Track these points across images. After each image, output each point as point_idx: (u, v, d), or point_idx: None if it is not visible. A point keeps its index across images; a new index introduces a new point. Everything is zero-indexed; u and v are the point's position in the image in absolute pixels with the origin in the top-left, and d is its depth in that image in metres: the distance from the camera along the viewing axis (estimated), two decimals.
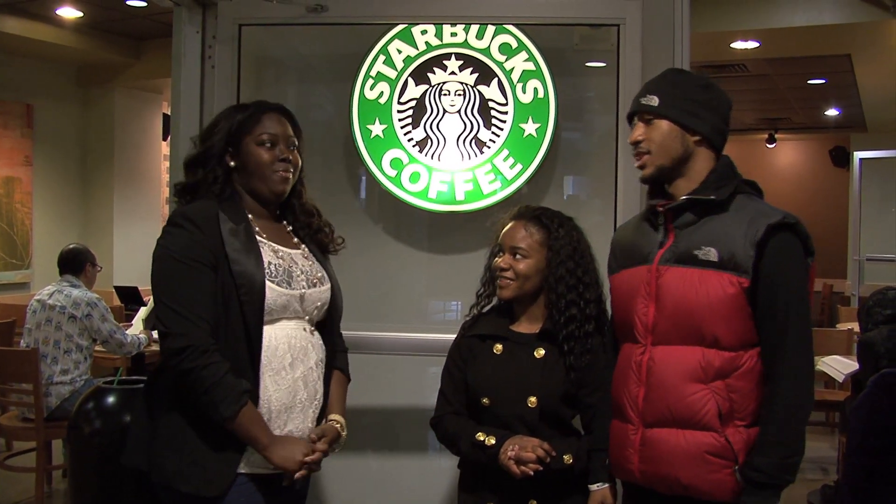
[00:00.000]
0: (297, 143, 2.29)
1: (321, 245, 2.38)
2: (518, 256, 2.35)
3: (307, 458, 2.10)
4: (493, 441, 2.27)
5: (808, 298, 2.03)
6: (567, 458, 2.27)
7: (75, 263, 5.01)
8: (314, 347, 2.24)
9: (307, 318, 2.24)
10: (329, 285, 2.31)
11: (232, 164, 2.22)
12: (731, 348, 2.00)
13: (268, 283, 2.11)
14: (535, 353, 2.35)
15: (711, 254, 2.01)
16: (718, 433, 1.99)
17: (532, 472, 2.21)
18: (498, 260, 2.38)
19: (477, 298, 2.49)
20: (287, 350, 2.16)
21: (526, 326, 2.40)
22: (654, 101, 2.11)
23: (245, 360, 2.09)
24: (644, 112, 2.13)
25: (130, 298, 7.10)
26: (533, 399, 2.30)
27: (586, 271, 2.38)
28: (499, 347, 2.38)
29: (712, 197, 2.05)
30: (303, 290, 2.20)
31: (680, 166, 2.11)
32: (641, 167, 2.15)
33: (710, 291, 2.00)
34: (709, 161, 2.11)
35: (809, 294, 2.04)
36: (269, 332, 2.13)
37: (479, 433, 2.29)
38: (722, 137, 2.14)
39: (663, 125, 2.10)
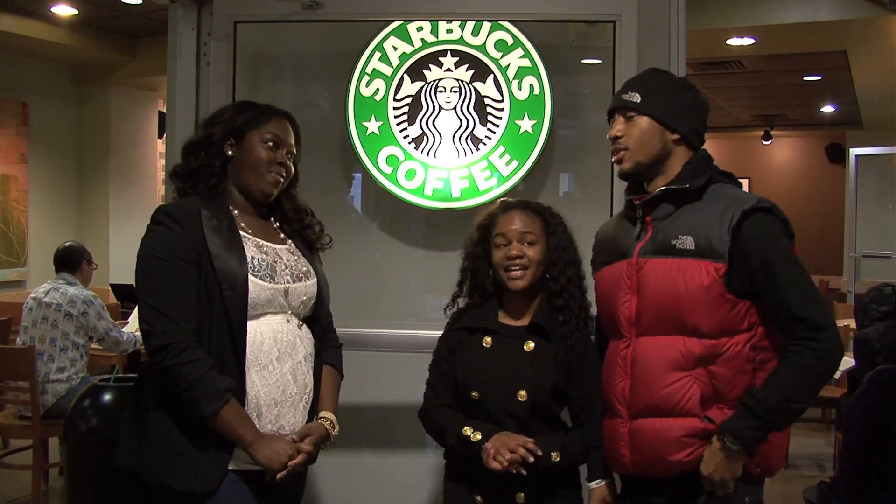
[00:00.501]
0: (295, 153, 2.31)
1: (308, 242, 2.39)
2: (527, 243, 2.32)
3: (291, 462, 2.10)
4: (479, 437, 2.25)
5: (801, 263, 2.02)
6: (554, 456, 2.25)
7: (71, 261, 5.00)
8: (302, 342, 2.24)
9: (293, 312, 2.24)
10: (315, 280, 2.31)
11: (230, 153, 2.23)
12: (712, 336, 2.00)
13: (251, 277, 2.12)
14: (524, 346, 2.33)
15: (689, 242, 2.02)
16: (700, 418, 2.00)
17: (514, 470, 2.19)
18: (507, 250, 2.31)
19: (452, 301, 2.47)
20: (273, 344, 2.16)
21: (515, 319, 2.38)
22: (637, 97, 2.14)
23: (230, 355, 2.10)
24: (625, 108, 2.16)
25: (127, 296, 7.08)
26: (523, 393, 2.28)
27: (579, 257, 2.39)
28: (488, 340, 2.36)
29: (687, 185, 2.08)
30: (287, 285, 2.20)
31: (658, 164, 2.14)
32: (619, 162, 2.18)
33: (688, 280, 2.01)
34: (683, 158, 2.14)
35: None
36: (253, 326, 2.13)
37: (466, 427, 2.28)
38: (699, 139, 2.17)
39: (643, 122, 2.13)
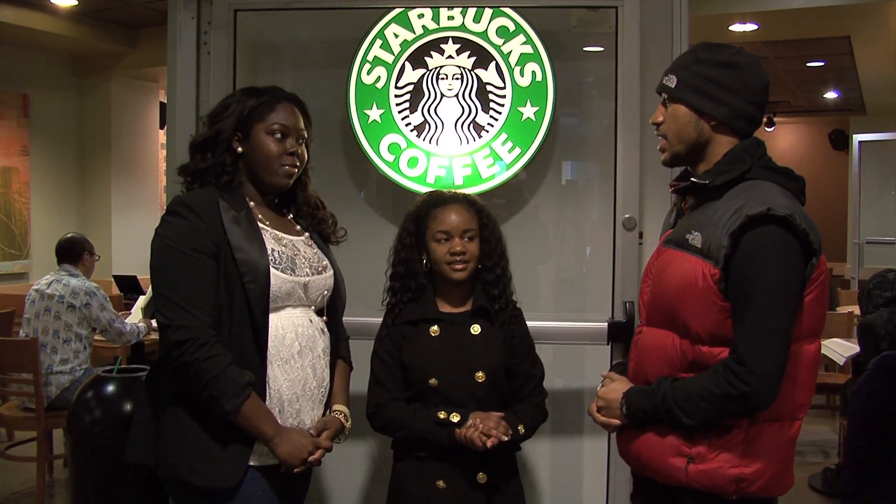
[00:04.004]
0: (306, 136, 2.26)
1: (323, 235, 2.38)
2: (468, 238, 2.46)
3: (310, 458, 2.10)
4: (457, 418, 2.35)
5: (787, 299, 1.84)
6: (521, 429, 2.40)
7: (73, 253, 5.01)
8: (320, 335, 2.23)
9: (312, 306, 2.23)
10: (332, 272, 2.30)
11: (239, 150, 2.19)
12: (702, 341, 1.90)
13: (272, 269, 2.10)
14: (471, 329, 2.46)
15: (697, 239, 1.91)
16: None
17: (491, 445, 2.29)
18: (450, 246, 2.44)
19: (396, 293, 2.53)
20: (295, 338, 2.15)
21: (454, 307, 2.51)
22: (673, 81, 2.01)
23: (252, 349, 2.08)
24: (664, 92, 2.05)
25: (129, 287, 7.10)
26: (480, 374, 2.41)
27: (506, 247, 2.57)
28: (435, 329, 2.45)
29: (707, 182, 1.95)
30: (307, 278, 2.19)
31: (696, 151, 2.01)
32: (661, 150, 2.08)
33: (679, 276, 1.92)
34: (728, 146, 1.99)
35: (795, 297, 1.86)
36: (274, 320, 2.12)
37: (441, 412, 2.37)
38: (746, 120, 1.98)
39: (679, 110, 2.00)
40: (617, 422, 2.06)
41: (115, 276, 7.47)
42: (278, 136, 2.18)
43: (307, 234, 2.32)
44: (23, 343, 4.63)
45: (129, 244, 8.34)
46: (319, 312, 2.29)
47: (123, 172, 8.66)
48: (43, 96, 8.28)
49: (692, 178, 2.00)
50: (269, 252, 2.12)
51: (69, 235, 5.14)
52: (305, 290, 2.19)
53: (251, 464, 2.09)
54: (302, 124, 2.25)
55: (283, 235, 2.22)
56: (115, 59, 8.31)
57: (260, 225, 2.16)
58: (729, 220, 1.85)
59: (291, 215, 2.34)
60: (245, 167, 2.21)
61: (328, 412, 2.27)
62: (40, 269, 7.52)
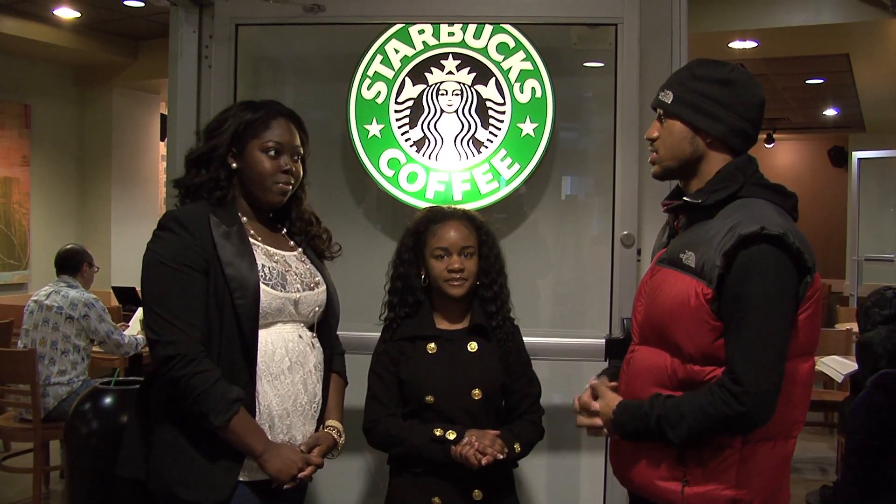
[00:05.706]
0: (302, 152, 2.25)
1: (317, 250, 2.36)
2: (466, 255, 2.46)
3: (300, 475, 2.09)
4: (454, 435, 2.35)
5: (781, 318, 1.83)
6: (517, 447, 2.40)
7: (72, 264, 5.01)
8: (312, 351, 2.22)
9: (303, 321, 2.23)
10: (325, 287, 2.29)
11: (234, 165, 2.18)
12: (694, 360, 1.88)
13: (262, 285, 2.09)
14: (468, 347, 2.46)
15: (691, 259, 1.90)
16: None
17: (486, 462, 2.29)
18: (448, 263, 2.44)
19: (394, 308, 2.53)
20: (285, 354, 2.13)
21: (452, 323, 2.51)
22: (669, 97, 2.00)
23: (241, 364, 2.07)
24: (659, 108, 2.04)
25: (128, 299, 7.09)
26: (477, 391, 2.42)
27: (504, 264, 2.56)
28: (432, 346, 2.46)
29: (699, 201, 1.95)
30: (298, 294, 2.18)
31: (689, 167, 2.00)
32: (652, 163, 2.08)
33: (673, 296, 1.91)
34: (721, 163, 1.97)
35: (789, 316, 1.85)
36: (264, 336, 2.11)
37: (437, 429, 2.37)
38: (741, 138, 1.97)
39: (675, 126, 1.99)
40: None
41: (113, 288, 7.46)
42: (272, 153, 2.17)
43: (300, 249, 2.31)
44: (21, 354, 4.62)
45: (129, 255, 8.32)
46: (312, 328, 2.28)
47: (124, 184, 8.66)
48: (44, 107, 8.29)
49: (685, 198, 1.99)
50: (260, 268, 2.11)
51: (68, 246, 5.14)
52: (296, 306, 2.18)
53: (241, 479, 2.08)
54: (297, 141, 2.23)
55: (275, 251, 2.21)
56: (117, 71, 8.33)
57: (251, 241, 2.15)
58: (723, 240, 1.84)
59: (285, 230, 2.33)
60: (239, 183, 2.20)
61: (321, 427, 2.26)
62: (39, 279, 7.51)
